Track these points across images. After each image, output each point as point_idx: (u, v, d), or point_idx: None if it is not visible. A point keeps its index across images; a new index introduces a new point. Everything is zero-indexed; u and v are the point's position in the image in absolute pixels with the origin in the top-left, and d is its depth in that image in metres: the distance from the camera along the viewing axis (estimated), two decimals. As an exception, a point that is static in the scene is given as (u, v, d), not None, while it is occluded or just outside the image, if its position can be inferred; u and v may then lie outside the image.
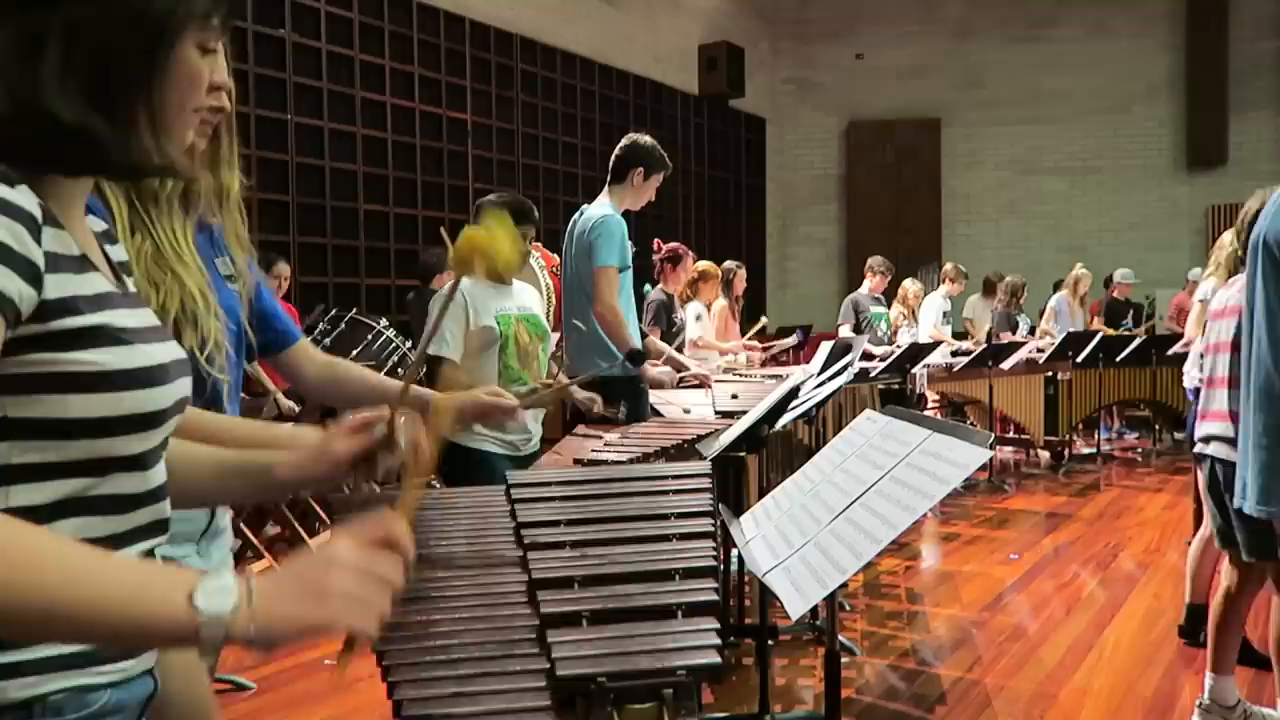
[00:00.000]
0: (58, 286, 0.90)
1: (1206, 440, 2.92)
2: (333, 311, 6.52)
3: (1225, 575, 3.08)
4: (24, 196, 0.88)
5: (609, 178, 4.11)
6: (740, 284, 7.20)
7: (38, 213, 0.89)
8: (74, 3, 0.90)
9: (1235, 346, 2.68)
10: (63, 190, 0.98)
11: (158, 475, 1.04)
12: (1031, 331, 9.20)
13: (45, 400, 0.91)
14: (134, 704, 1.03)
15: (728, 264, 7.09)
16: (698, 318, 6.40)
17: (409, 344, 6.40)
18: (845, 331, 7.78)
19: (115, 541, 0.98)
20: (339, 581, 0.86)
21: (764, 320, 7.28)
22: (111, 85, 0.92)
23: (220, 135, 1.68)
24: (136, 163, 0.96)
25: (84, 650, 0.94)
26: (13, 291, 0.85)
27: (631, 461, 2.63)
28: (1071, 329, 8.64)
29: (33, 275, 0.87)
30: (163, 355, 1.01)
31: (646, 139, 4.12)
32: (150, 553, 1.05)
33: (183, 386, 1.05)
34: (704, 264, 6.56)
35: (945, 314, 8.71)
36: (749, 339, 7.27)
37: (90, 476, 0.96)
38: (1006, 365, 7.59)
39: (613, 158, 4.10)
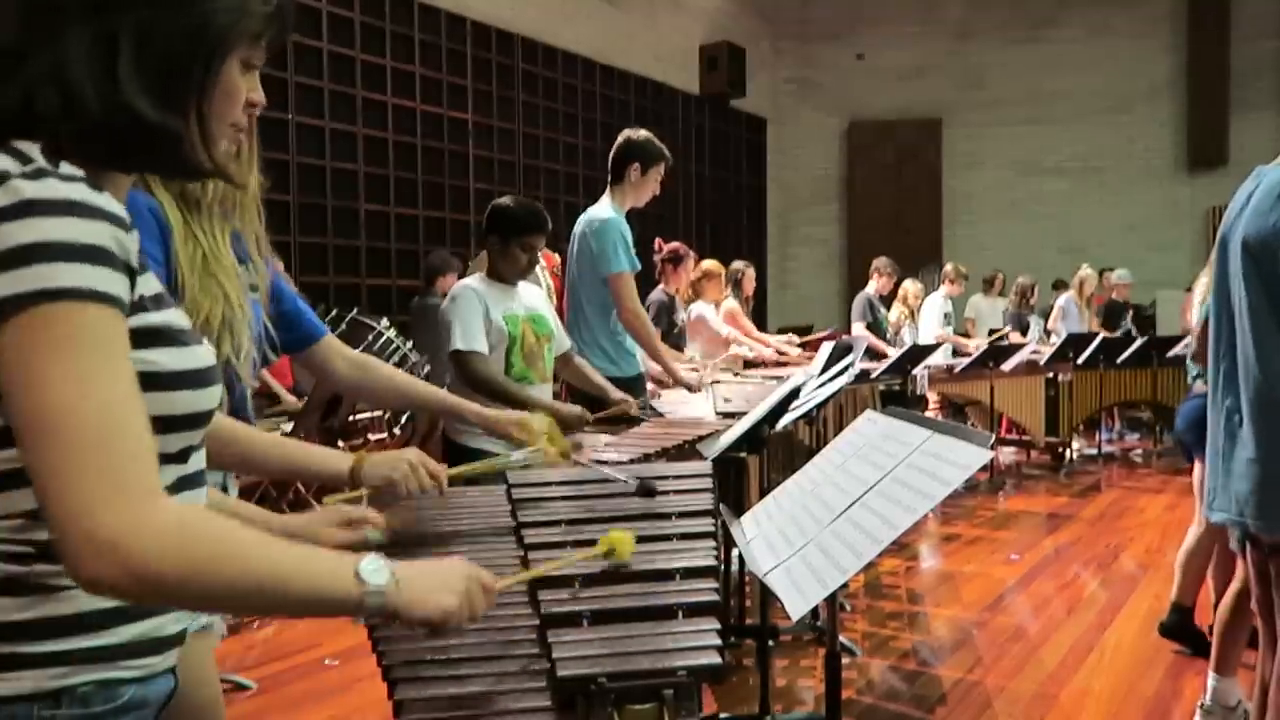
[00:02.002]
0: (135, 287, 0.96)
1: None
2: (333, 312, 6.52)
3: (1237, 577, 3.06)
4: (112, 202, 0.92)
5: (609, 178, 4.10)
6: (749, 284, 7.19)
7: (128, 218, 0.94)
8: (143, 8, 0.95)
9: None
10: (116, 188, 1.01)
11: (194, 464, 1.08)
12: (1046, 333, 9.19)
13: None
14: (155, 701, 1.05)
15: (736, 264, 7.08)
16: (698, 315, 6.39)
17: (409, 344, 6.41)
18: (859, 330, 7.78)
19: None
20: (461, 583, 1.10)
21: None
22: (173, 89, 0.97)
23: (241, 138, 1.71)
24: (198, 164, 1.00)
25: (111, 644, 0.98)
26: (124, 295, 0.91)
27: (632, 461, 2.63)
28: (1079, 330, 8.64)
29: (133, 281, 0.93)
30: (208, 357, 1.06)
31: (641, 132, 4.10)
32: None
33: (220, 386, 1.10)
34: (708, 263, 6.53)
35: (947, 315, 8.70)
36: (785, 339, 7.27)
37: None
38: (1007, 366, 7.58)
39: (610, 157, 4.10)
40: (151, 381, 0.96)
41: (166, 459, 1.01)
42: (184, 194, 1.68)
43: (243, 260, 1.85)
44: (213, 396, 1.05)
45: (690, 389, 4.09)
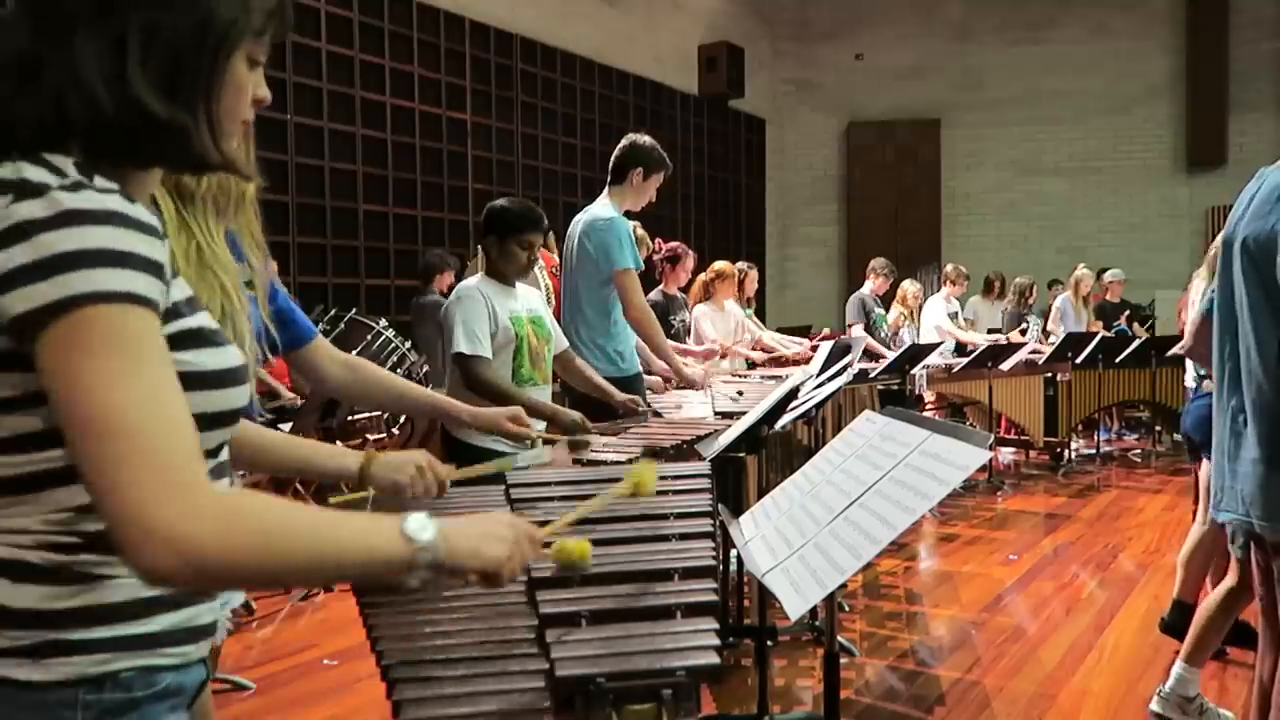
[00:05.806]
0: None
1: None
2: (332, 312, 6.53)
3: (1230, 574, 3.07)
4: (146, 213, 0.95)
5: (609, 179, 4.09)
6: (751, 285, 7.19)
7: (160, 227, 0.97)
8: (148, 7, 0.97)
9: None
10: (141, 189, 1.04)
11: (223, 455, 1.12)
12: (1045, 333, 9.18)
13: None
14: (190, 689, 1.08)
15: (739, 265, 7.09)
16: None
17: (408, 344, 6.41)
18: (857, 331, 7.77)
19: None
20: (509, 532, 1.11)
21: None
22: (182, 85, 0.99)
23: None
24: (206, 156, 1.02)
25: (151, 632, 1.01)
26: (160, 300, 0.94)
27: (631, 462, 2.63)
28: (1075, 329, 8.64)
29: (166, 288, 0.96)
30: (238, 355, 1.09)
31: (645, 139, 4.10)
32: None
33: (249, 383, 1.13)
34: (720, 264, 6.51)
35: (955, 315, 8.67)
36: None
37: None
38: (1006, 366, 7.59)
39: (612, 159, 4.08)
40: (194, 381, 0.99)
41: (204, 455, 1.03)
42: (179, 187, 1.70)
43: (239, 259, 1.86)
44: (245, 394, 1.09)
45: (694, 385, 4.09)
